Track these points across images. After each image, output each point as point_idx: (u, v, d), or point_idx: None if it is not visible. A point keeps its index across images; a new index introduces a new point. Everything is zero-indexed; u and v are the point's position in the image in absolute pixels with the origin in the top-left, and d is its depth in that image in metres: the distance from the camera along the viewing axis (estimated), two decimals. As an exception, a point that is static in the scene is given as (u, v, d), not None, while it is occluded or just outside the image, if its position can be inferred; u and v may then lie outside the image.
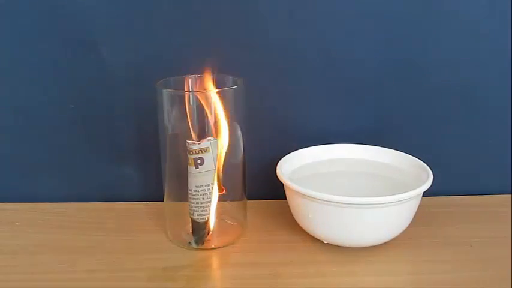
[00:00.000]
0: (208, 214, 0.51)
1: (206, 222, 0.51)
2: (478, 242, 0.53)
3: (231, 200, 0.54)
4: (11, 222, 0.59)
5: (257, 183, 0.57)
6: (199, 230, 0.51)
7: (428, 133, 0.63)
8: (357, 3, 0.58)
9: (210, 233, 0.52)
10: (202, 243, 0.52)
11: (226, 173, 0.51)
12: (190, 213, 0.51)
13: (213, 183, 0.50)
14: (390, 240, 0.51)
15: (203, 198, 0.50)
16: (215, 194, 0.50)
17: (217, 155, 0.49)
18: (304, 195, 0.49)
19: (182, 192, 0.53)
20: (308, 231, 0.52)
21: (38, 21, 0.58)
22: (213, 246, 0.52)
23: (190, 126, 0.49)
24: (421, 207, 0.51)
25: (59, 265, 0.50)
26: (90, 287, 0.47)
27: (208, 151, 0.48)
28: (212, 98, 0.49)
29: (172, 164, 0.52)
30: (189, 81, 0.53)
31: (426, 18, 0.59)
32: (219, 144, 0.49)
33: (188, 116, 0.49)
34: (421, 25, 0.59)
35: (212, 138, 0.48)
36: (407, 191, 0.48)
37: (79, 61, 0.60)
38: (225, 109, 0.50)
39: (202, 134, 0.50)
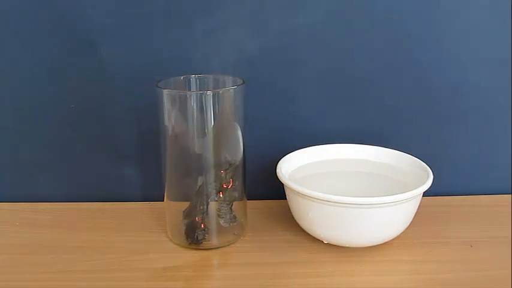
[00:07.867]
0: (188, 215, 0.52)
1: (193, 222, 0.52)
2: (478, 242, 0.53)
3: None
4: (11, 222, 0.59)
5: (257, 183, 0.57)
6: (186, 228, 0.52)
7: (428, 133, 0.63)
8: (357, 3, 0.58)
9: (197, 233, 0.52)
10: (195, 241, 0.52)
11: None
12: None
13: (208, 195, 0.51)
14: (390, 240, 0.51)
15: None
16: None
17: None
18: (304, 195, 0.49)
19: (182, 192, 0.53)
20: (308, 231, 0.52)
21: (38, 21, 0.59)
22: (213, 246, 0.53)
23: (191, 127, 0.50)
24: (421, 207, 0.51)
25: (59, 265, 0.50)
26: (90, 287, 0.47)
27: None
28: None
29: (172, 164, 0.52)
30: (189, 81, 0.54)
31: (427, 18, 0.59)
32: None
33: (188, 116, 0.49)
34: (422, 25, 0.59)
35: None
36: (407, 191, 0.48)
37: (79, 61, 0.60)
38: (225, 109, 0.50)
39: (202, 134, 0.50)
